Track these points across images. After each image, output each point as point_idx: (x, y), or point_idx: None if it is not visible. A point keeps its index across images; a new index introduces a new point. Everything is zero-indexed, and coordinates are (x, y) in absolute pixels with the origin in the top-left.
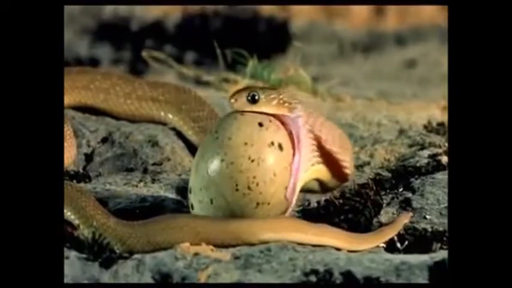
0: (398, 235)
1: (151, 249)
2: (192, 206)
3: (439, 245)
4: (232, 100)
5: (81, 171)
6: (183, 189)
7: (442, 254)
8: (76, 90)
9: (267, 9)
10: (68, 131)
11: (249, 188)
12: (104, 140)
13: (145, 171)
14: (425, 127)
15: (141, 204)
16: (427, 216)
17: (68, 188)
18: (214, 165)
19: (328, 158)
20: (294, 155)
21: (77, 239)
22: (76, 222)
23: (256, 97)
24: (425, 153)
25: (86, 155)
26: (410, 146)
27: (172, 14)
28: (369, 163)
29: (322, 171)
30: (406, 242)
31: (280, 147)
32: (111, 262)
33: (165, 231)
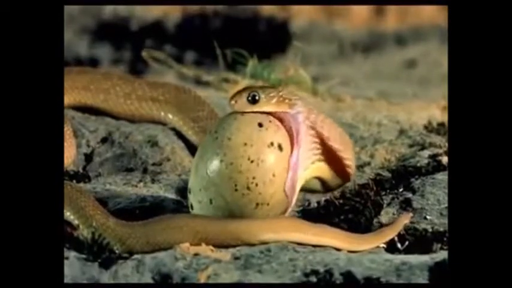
0: (399, 235)
1: (151, 249)
2: (191, 206)
3: (439, 245)
4: (233, 102)
5: (80, 171)
6: (182, 190)
7: (442, 255)
8: (76, 90)
9: (267, 9)
10: (67, 131)
11: (248, 188)
12: (104, 140)
13: (145, 171)
14: (425, 127)
15: (140, 204)
16: (428, 217)
17: (67, 188)
18: (214, 165)
19: (329, 156)
20: (292, 149)
21: (76, 239)
22: (76, 222)
23: (257, 97)
24: (426, 153)
25: (85, 155)
26: (411, 146)
27: (172, 14)
28: (369, 163)
29: (323, 169)
30: (407, 243)
31: (280, 147)
32: (111, 262)
33: (165, 232)
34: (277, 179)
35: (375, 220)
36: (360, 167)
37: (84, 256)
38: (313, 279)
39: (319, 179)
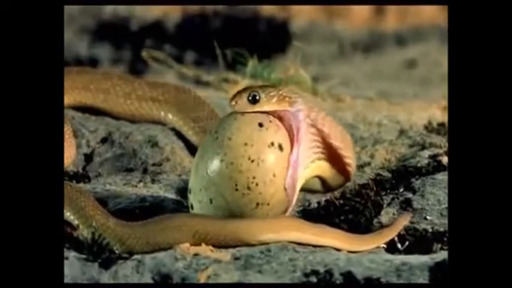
0: (399, 236)
1: (151, 249)
2: (191, 206)
3: (439, 245)
4: (233, 102)
5: (80, 171)
6: (182, 190)
7: (442, 255)
8: (76, 90)
9: (267, 9)
10: (67, 131)
11: (248, 188)
12: (104, 140)
13: (145, 171)
14: (425, 127)
15: (140, 204)
16: (428, 217)
17: (67, 188)
18: (214, 165)
19: (329, 154)
20: (292, 146)
21: (76, 239)
22: (75, 222)
23: (257, 97)
24: (426, 153)
25: (85, 155)
26: (411, 146)
27: (172, 14)
28: (369, 163)
29: (323, 168)
30: (407, 243)
31: (280, 147)
32: (111, 263)
33: (165, 232)
34: (277, 179)
35: (375, 220)
36: (360, 167)
37: (84, 256)
38: (313, 279)
39: (320, 178)
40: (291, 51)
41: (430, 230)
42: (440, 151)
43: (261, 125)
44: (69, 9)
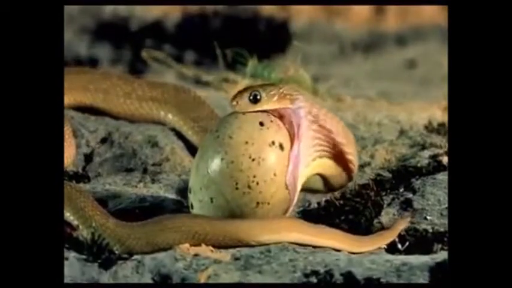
0: (399, 236)
1: (151, 249)
2: (191, 205)
3: (439, 245)
4: (234, 103)
5: (80, 171)
6: (182, 190)
7: (442, 255)
8: (76, 90)
9: (267, 9)
10: (67, 131)
11: (249, 187)
12: (104, 140)
13: (144, 171)
14: (426, 127)
15: (140, 204)
16: (428, 217)
17: (67, 189)
18: (215, 164)
19: (331, 151)
20: (293, 143)
21: (76, 239)
22: (75, 222)
23: (258, 96)
24: (426, 153)
25: (85, 155)
26: (411, 146)
27: (172, 14)
28: (369, 163)
29: (324, 166)
30: (407, 243)
31: (281, 146)
32: (111, 263)
33: (164, 232)
34: (278, 178)
35: (375, 220)
36: (360, 167)
37: (84, 256)
38: (313, 279)
39: (322, 176)
40: (291, 51)
41: (431, 230)
42: (441, 151)
43: (262, 124)
44: (69, 9)
